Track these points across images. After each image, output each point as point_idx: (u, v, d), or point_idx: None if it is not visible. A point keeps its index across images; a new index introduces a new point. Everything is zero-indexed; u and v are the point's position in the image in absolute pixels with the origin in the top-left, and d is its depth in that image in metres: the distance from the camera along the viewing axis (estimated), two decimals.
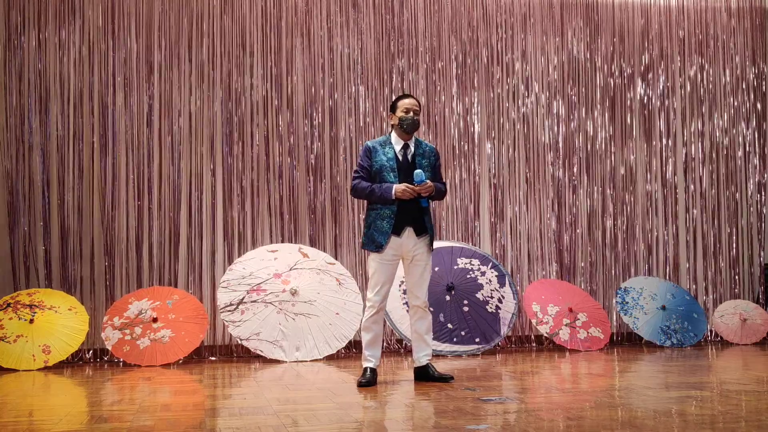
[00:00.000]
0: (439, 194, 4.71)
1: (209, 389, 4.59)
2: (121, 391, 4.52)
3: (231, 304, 5.98)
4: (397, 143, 4.67)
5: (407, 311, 5.82)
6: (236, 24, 6.61)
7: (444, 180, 4.91)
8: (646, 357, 6.06)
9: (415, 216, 4.59)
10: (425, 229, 4.61)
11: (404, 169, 4.61)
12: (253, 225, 6.55)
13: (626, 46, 7.43)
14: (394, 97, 6.83)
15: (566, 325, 6.59)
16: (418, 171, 4.50)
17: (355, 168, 4.79)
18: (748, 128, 7.65)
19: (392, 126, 4.72)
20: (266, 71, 6.64)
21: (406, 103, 4.65)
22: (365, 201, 4.85)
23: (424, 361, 4.67)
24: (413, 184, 4.51)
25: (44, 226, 6.18)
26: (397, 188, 4.50)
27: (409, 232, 4.58)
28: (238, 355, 6.38)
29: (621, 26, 7.43)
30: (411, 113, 4.62)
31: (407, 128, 4.62)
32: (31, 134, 6.21)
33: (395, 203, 4.54)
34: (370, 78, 6.83)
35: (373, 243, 4.58)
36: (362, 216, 6.52)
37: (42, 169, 6.21)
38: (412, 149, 4.68)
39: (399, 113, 4.64)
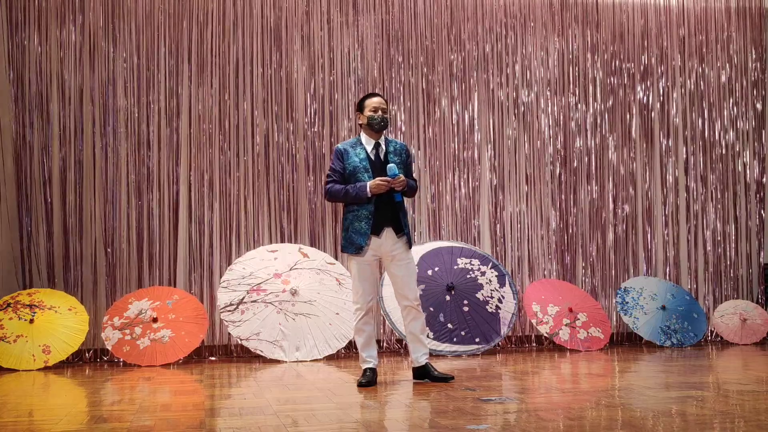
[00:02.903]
0: (411, 190, 4.69)
1: (209, 389, 4.59)
2: (121, 391, 4.52)
3: (231, 304, 5.98)
4: (368, 143, 4.65)
5: None
6: (236, 24, 6.61)
7: (415, 177, 4.88)
8: (646, 357, 6.06)
9: (392, 215, 4.56)
10: (402, 228, 4.59)
11: (378, 169, 4.58)
12: (253, 225, 6.55)
13: (626, 46, 7.43)
14: (394, 98, 6.84)
15: (566, 325, 6.59)
16: (390, 165, 4.49)
17: (327, 172, 4.76)
18: (747, 128, 7.65)
19: (360, 125, 4.69)
20: (266, 71, 6.64)
21: (374, 102, 4.62)
22: (342, 204, 4.80)
23: (423, 361, 4.65)
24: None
25: (45, 226, 6.18)
26: (371, 183, 4.48)
27: (388, 232, 4.55)
28: (238, 355, 6.38)
29: (621, 26, 7.44)
30: (379, 112, 4.60)
31: (377, 127, 4.60)
32: (33, 134, 6.22)
33: (371, 202, 4.51)
34: (370, 78, 6.83)
35: (353, 245, 4.54)
36: None
37: (43, 169, 6.21)
38: (384, 148, 4.66)
39: (367, 112, 4.61)
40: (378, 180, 4.48)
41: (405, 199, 4.79)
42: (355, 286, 4.59)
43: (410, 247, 4.64)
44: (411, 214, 6.78)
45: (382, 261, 4.64)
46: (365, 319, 4.60)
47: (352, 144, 4.68)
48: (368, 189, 4.48)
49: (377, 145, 4.65)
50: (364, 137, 4.67)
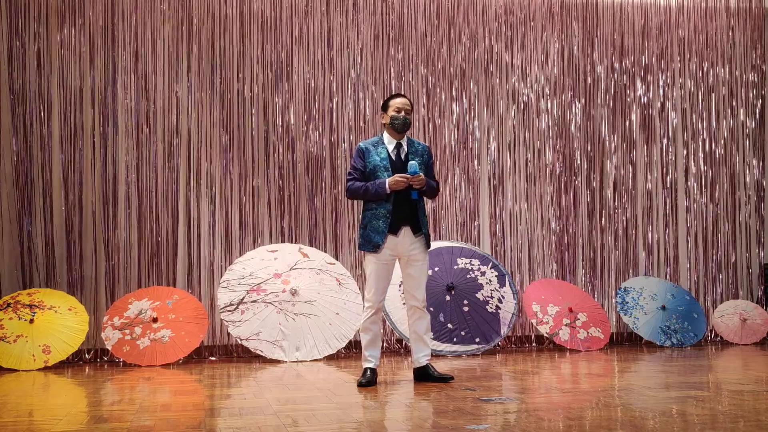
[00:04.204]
0: (431, 191, 4.69)
1: (209, 389, 4.59)
2: (121, 391, 4.52)
3: (231, 304, 5.98)
4: (389, 143, 4.67)
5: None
6: (236, 24, 6.61)
7: (437, 179, 4.88)
8: (646, 357, 6.06)
9: (410, 214, 4.58)
10: (420, 227, 4.61)
11: (398, 169, 4.60)
12: (253, 225, 6.55)
13: (626, 46, 7.43)
14: None
15: (566, 325, 6.59)
16: (412, 162, 4.50)
17: (348, 170, 4.78)
18: (747, 128, 7.65)
19: (384, 125, 4.72)
20: (266, 71, 6.64)
21: (397, 102, 4.64)
22: (361, 202, 4.83)
23: (423, 362, 4.66)
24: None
25: (45, 226, 6.18)
26: (390, 179, 4.50)
27: (405, 231, 4.57)
28: (238, 355, 6.38)
29: (621, 26, 7.43)
30: (402, 113, 4.62)
31: (398, 128, 4.62)
32: (32, 134, 6.22)
33: (390, 200, 4.53)
34: (369, 78, 6.83)
35: (370, 243, 4.56)
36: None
37: (43, 169, 6.21)
38: (405, 148, 4.68)
39: (391, 112, 4.64)
40: (397, 176, 4.49)
41: (425, 200, 4.79)
42: (370, 285, 4.60)
43: (428, 248, 4.66)
44: None
45: (399, 261, 4.65)
46: (373, 318, 4.61)
47: (374, 143, 4.70)
48: (387, 185, 4.49)
49: (399, 146, 4.67)
50: (386, 137, 4.69)
